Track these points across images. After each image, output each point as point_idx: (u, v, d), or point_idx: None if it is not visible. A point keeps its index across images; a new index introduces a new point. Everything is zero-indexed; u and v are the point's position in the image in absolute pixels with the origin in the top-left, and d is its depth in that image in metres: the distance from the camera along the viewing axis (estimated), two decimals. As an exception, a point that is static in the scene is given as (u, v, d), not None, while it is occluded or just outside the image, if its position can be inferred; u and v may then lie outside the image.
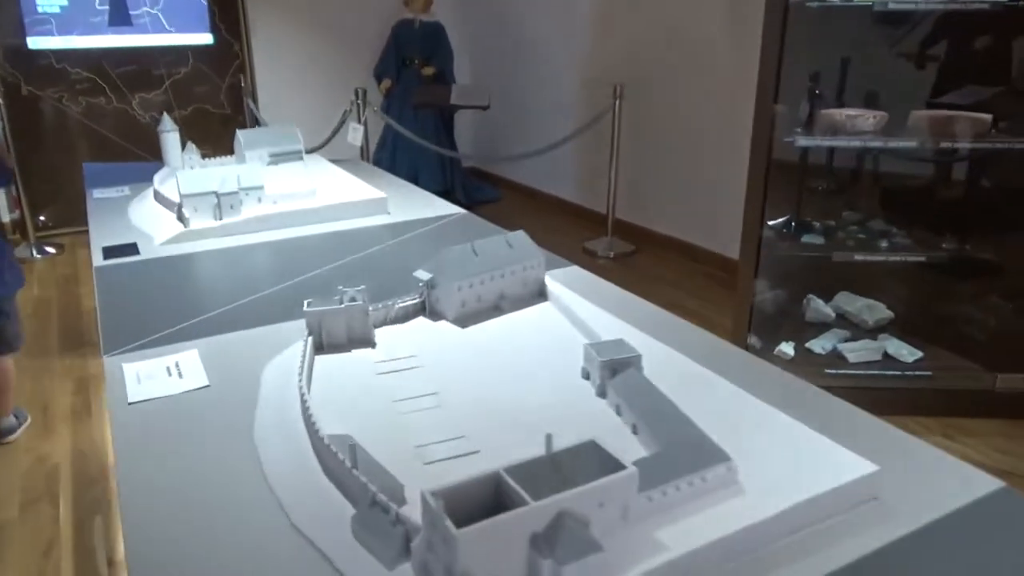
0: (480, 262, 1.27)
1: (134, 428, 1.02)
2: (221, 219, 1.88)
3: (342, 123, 4.37)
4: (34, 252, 4.55)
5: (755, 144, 2.51)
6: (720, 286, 3.99)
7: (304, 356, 1.08)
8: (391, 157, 5.22)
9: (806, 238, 2.92)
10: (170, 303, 1.48)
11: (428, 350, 1.16)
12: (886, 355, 2.89)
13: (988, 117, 2.61)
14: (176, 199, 1.95)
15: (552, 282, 1.37)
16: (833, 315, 3.16)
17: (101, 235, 1.90)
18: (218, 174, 1.91)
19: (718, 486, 0.81)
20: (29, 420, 2.82)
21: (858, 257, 2.74)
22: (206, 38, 5.16)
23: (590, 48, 4.83)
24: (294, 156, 2.53)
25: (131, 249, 1.79)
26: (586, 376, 1.05)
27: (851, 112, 2.69)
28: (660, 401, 0.93)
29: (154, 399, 1.09)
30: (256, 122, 5.24)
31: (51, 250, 4.63)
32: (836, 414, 1.01)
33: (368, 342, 1.18)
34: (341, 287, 1.20)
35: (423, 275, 1.26)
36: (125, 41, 4.88)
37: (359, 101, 4.18)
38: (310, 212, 1.97)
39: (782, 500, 0.79)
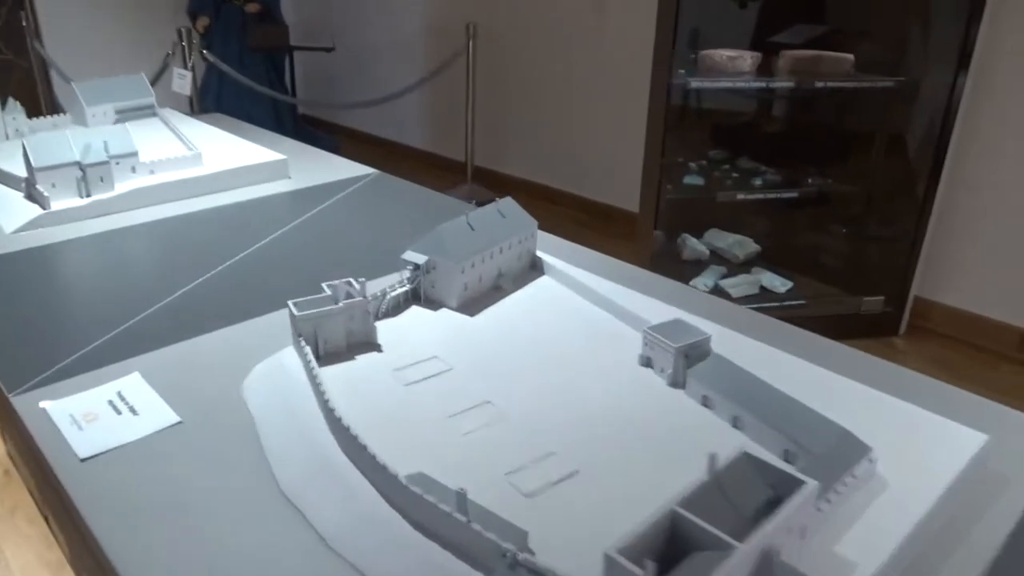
0: (478, 237, 1.11)
1: (102, 495, 0.78)
2: (89, 196, 1.53)
3: (164, 68, 3.82)
4: None
5: (654, 88, 2.47)
6: (588, 229, 4.01)
7: (312, 374, 0.88)
8: (215, 105, 4.65)
9: (688, 179, 2.97)
10: (62, 313, 1.17)
11: (445, 347, 0.99)
12: (762, 288, 3.04)
13: (850, 57, 2.75)
14: (21, 173, 1.56)
15: (543, 252, 1.24)
16: (707, 252, 3.27)
17: (-80, 225, 1.49)
18: (76, 140, 1.55)
19: (863, 482, 0.74)
20: None
21: (740, 196, 2.82)
22: (-33, -34, 4.27)
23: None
24: (146, 111, 2.15)
25: (-27, 241, 1.41)
26: (646, 363, 0.94)
27: (731, 53, 2.73)
28: (761, 388, 0.84)
29: (113, 449, 0.84)
30: (45, 68, 4.47)
31: None
32: (885, 375, 0.98)
33: (371, 345, 0.99)
34: (327, 283, 0.99)
35: (417, 257, 1.07)
36: None
37: (184, 43, 3.66)
38: (197, 181, 1.67)
39: (930, 489, 0.74)
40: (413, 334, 1.03)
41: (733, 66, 2.72)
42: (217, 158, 1.75)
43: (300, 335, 0.93)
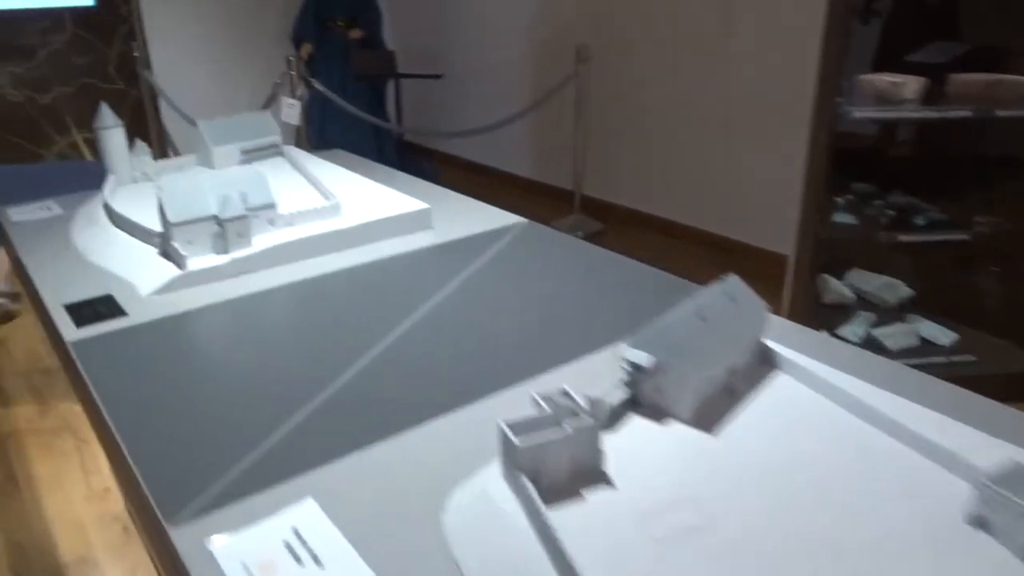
0: (711, 332, 0.89)
1: None
2: (227, 253, 1.40)
3: (272, 98, 3.77)
4: None
5: (818, 117, 2.22)
6: (711, 265, 3.75)
7: (547, 529, 0.68)
8: (318, 134, 4.62)
9: (838, 217, 2.69)
10: (211, 403, 1.02)
11: (691, 480, 0.78)
12: (921, 339, 2.73)
13: (1033, 81, 2.43)
14: (153, 226, 1.44)
15: (772, 342, 1.01)
16: (853, 296, 2.97)
17: (51, 284, 1.37)
18: (211, 189, 1.41)
19: None
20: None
21: (903, 238, 2.52)
22: (86, -1, 4.36)
23: (539, 8, 4.40)
24: (271, 150, 2.03)
25: (109, 306, 1.28)
26: (979, 524, 0.71)
27: (895, 79, 2.45)
28: None
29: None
30: (154, 97, 4.51)
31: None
32: None
33: (598, 476, 0.78)
34: (537, 394, 0.79)
35: (641, 357, 0.87)
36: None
37: (293, 72, 3.60)
38: (338, 236, 1.51)
39: None
40: (645, 459, 0.82)
41: (897, 92, 2.43)
42: (355, 207, 1.59)
43: (519, 468, 0.74)
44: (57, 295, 1.32)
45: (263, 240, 1.44)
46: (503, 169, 5.02)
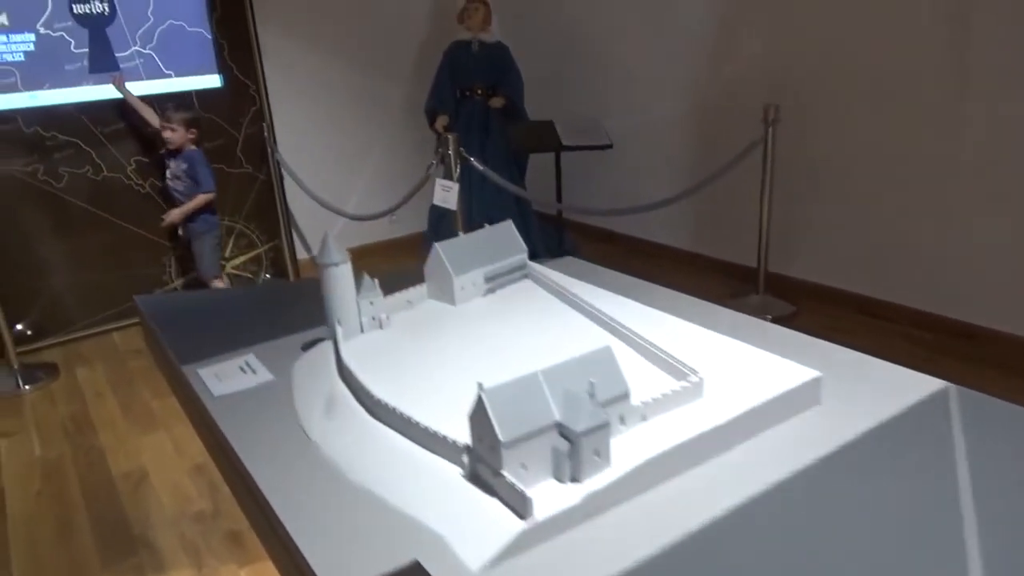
0: None
1: None
2: (580, 481, 0.90)
3: (425, 181, 3.38)
4: (20, 381, 3.42)
5: None
6: (937, 353, 3.12)
7: None
8: (467, 214, 4.22)
9: None
10: None
11: None
12: None
13: None
14: (440, 426, 0.96)
15: None
16: None
17: (307, 530, 0.90)
18: (546, 379, 0.92)
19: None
20: None
21: None
22: (213, 80, 4.10)
23: (714, 64, 3.91)
24: (517, 273, 1.56)
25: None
26: None
27: None
28: None
29: None
30: (280, 180, 4.20)
31: (41, 375, 3.50)
32: None
33: None
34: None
35: None
36: (113, 92, 3.79)
37: (449, 151, 3.19)
38: (714, 437, 1.00)
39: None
40: None
41: None
42: (713, 379, 1.08)
43: None
44: (327, 559, 0.84)
45: (619, 452, 0.94)
46: (659, 241, 4.50)
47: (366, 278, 1.40)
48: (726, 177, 3.53)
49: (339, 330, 1.32)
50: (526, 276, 1.58)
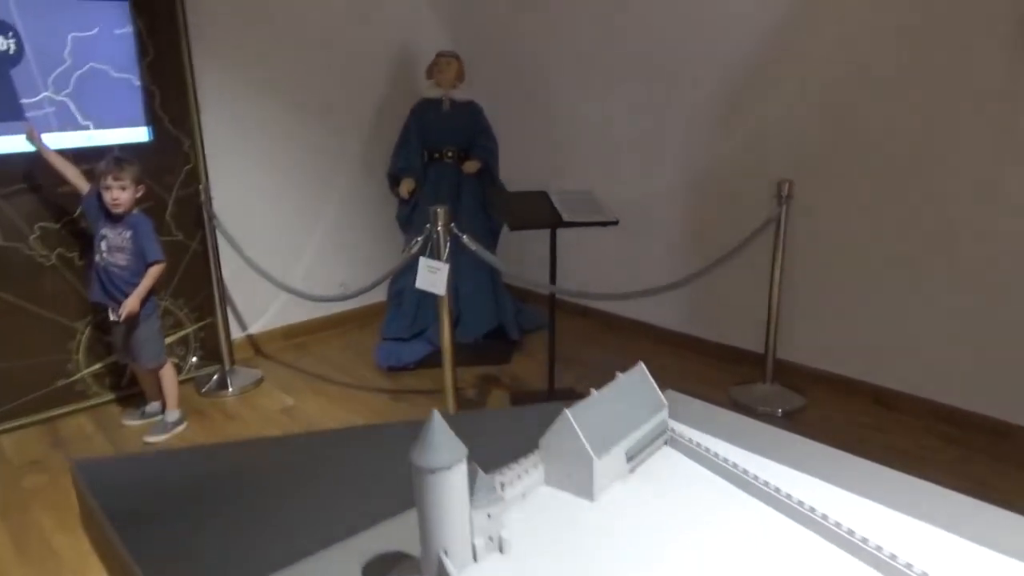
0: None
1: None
2: None
3: (409, 261, 2.90)
4: None
5: None
6: (976, 452, 2.86)
7: None
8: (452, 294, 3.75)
9: None
10: None
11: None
12: None
13: None
14: None
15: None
16: None
17: None
18: None
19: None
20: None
21: None
22: (140, 133, 3.50)
23: (719, 136, 3.62)
24: (659, 439, 1.12)
25: None
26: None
27: None
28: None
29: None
30: (216, 248, 3.61)
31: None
32: None
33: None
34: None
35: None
36: (14, 145, 3.14)
37: (439, 227, 2.73)
38: None
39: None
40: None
41: None
42: None
43: None
44: None
45: None
46: (639, 319, 4.13)
47: (480, 473, 0.92)
48: (735, 255, 3.22)
49: (449, 568, 0.83)
50: (666, 442, 1.13)
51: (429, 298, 3.77)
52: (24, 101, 3.17)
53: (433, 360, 3.77)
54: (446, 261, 2.75)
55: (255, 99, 3.92)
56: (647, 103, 3.81)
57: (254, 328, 4.15)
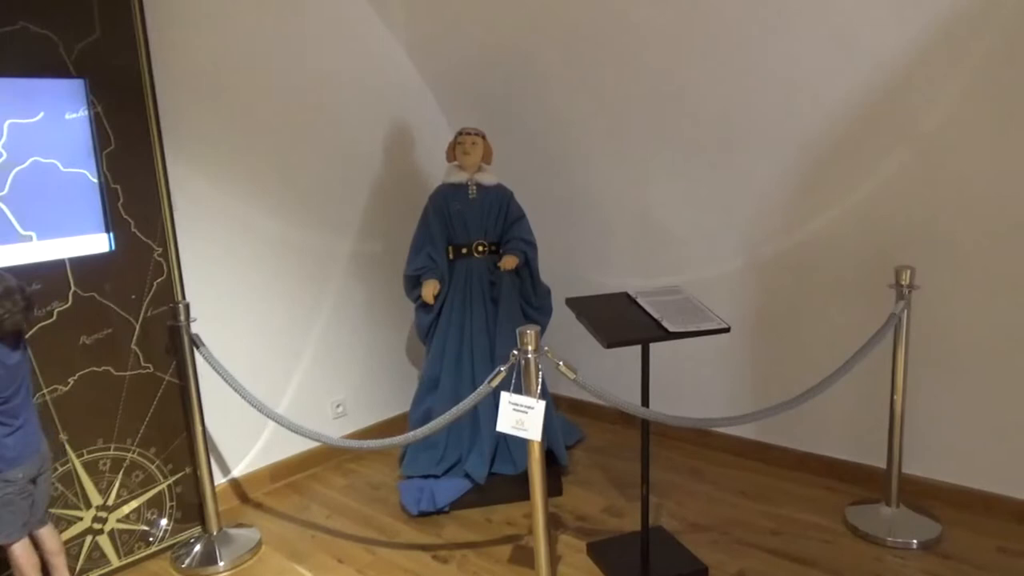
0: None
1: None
2: None
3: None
4: None
5: None
6: None
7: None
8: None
9: None
10: None
11: None
12: None
13: None
14: None
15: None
16: None
17: None
18: None
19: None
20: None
21: None
22: (100, 242, 2.76)
23: (822, 220, 3.14)
24: None
25: None
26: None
27: None
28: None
29: None
30: (196, 387, 2.86)
31: None
32: None
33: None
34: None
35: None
36: (-70, 265, 2.37)
37: (530, 352, 2.10)
38: None
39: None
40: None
41: None
42: None
43: None
44: None
45: None
46: (733, 434, 3.52)
47: None
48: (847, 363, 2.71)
49: None
50: None
51: (462, 423, 3.13)
52: (-56, 209, 2.41)
53: (471, 498, 3.09)
54: (540, 397, 2.11)
55: (231, 191, 3.24)
56: (709, 178, 3.32)
57: (237, 470, 3.35)
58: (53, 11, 2.55)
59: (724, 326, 2.41)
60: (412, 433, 2.54)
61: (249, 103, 3.25)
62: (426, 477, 3.14)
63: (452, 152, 3.25)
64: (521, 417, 2.13)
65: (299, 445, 3.49)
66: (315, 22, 3.46)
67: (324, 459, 3.62)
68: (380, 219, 3.81)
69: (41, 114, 2.60)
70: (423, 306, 3.23)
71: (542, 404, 2.10)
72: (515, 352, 2.12)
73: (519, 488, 3.06)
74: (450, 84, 3.94)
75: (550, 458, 3.22)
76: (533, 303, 3.31)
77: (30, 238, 2.60)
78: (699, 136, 3.26)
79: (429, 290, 3.16)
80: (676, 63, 3.12)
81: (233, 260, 3.26)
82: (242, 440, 3.35)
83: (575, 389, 3.66)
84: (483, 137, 3.24)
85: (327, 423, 3.62)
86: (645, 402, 2.53)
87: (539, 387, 2.13)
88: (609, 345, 2.32)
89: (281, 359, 3.48)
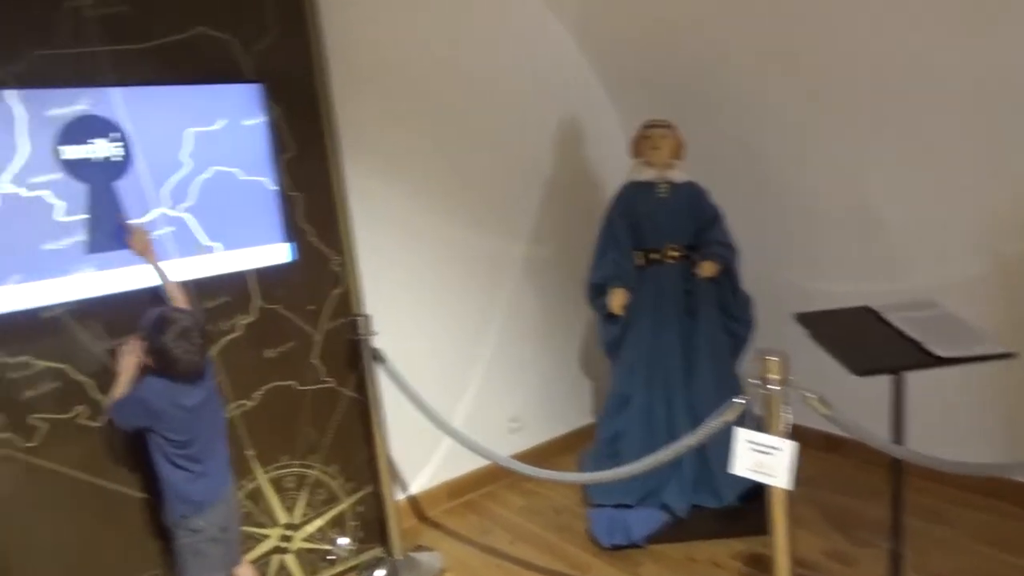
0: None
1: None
2: None
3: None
4: None
5: None
6: None
7: None
8: (643, 437, 2.79)
9: None
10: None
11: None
12: None
13: None
14: None
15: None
16: None
17: None
18: None
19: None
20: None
21: None
22: (281, 252, 2.66)
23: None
24: None
25: None
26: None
27: None
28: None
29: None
30: (377, 402, 2.71)
31: None
32: None
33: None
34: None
35: None
36: (120, 281, 2.32)
37: (774, 383, 1.76)
38: None
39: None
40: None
41: None
42: None
43: None
44: None
45: None
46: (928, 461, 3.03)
47: None
48: None
49: None
50: None
51: (657, 447, 2.82)
52: (136, 221, 2.35)
53: (669, 532, 2.77)
54: (788, 435, 1.77)
55: (404, 199, 3.08)
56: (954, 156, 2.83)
57: (415, 487, 3.21)
58: (228, 15, 2.45)
59: (1007, 351, 1.96)
60: (612, 471, 2.25)
61: (419, 104, 3.09)
62: (617, 507, 2.85)
63: (637, 147, 2.94)
64: (763, 459, 1.79)
65: (475, 461, 3.30)
66: (483, 18, 3.26)
67: (501, 476, 3.43)
68: (550, 221, 3.57)
69: (222, 121, 2.52)
70: (609, 317, 2.94)
71: (791, 445, 1.75)
72: (754, 380, 1.79)
73: (723, 523, 2.73)
74: (624, 77, 3.62)
75: (758, 489, 2.85)
76: (734, 314, 2.94)
77: (214, 249, 2.52)
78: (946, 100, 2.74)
79: (617, 300, 2.86)
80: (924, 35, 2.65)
81: (405, 268, 3.11)
82: (419, 456, 3.21)
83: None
84: (673, 129, 2.90)
85: (502, 438, 3.42)
86: (898, 438, 2.12)
87: (787, 425, 1.78)
88: (861, 373, 1.94)
89: (456, 371, 3.31)
